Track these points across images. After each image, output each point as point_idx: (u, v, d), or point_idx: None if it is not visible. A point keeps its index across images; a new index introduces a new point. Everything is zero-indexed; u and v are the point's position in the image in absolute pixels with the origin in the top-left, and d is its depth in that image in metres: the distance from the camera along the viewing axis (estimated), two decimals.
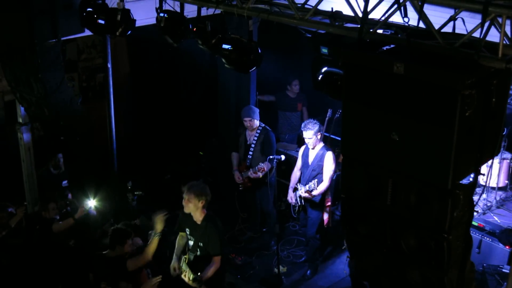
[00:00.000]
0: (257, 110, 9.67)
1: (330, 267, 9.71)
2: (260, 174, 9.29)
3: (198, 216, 7.23)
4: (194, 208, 7.16)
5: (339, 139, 9.38)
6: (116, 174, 9.86)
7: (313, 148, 8.82)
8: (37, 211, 8.87)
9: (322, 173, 8.77)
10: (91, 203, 8.72)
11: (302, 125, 8.87)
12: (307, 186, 8.65)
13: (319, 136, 8.82)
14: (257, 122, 9.58)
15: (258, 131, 9.57)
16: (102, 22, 7.63)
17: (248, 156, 9.64)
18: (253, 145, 9.59)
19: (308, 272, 9.47)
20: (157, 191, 10.73)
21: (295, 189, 9.02)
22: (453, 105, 4.51)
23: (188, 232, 7.37)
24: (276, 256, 8.96)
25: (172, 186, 11.01)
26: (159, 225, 7.33)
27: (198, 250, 7.26)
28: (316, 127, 8.75)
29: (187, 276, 7.11)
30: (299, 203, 9.02)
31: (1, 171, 10.24)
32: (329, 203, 9.00)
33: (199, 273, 7.05)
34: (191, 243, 7.36)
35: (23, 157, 9.49)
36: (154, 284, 7.07)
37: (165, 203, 10.16)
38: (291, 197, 9.11)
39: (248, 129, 9.67)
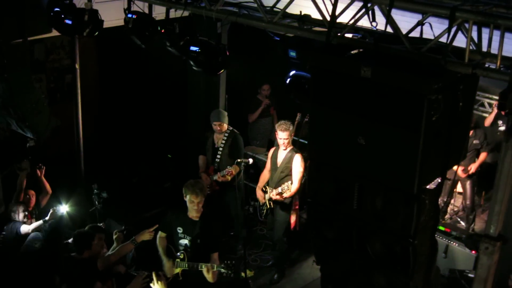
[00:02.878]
0: (226, 114, 9.60)
1: (297, 271, 9.66)
2: (229, 178, 9.21)
3: (195, 213, 7.17)
4: (201, 207, 7.15)
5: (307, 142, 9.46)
6: (83, 176, 9.72)
7: (285, 149, 8.79)
8: (2, 212, 8.70)
9: (290, 175, 8.74)
10: (64, 208, 8.58)
11: (277, 125, 8.82)
12: (280, 188, 8.60)
13: (292, 137, 8.82)
14: (226, 126, 9.52)
15: (226, 134, 9.50)
16: (70, 22, 7.52)
17: (216, 159, 9.56)
18: (221, 149, 9.52)
19: (275, 276, 9.41)
20: (124, 193, 10.60)
21: (264, 191, 8.97)
22: (420, 109, 4.51)
23: (180, 231, 7.27)
24: (243, 260, 8.89)
25: (139, 189, 10.93)
26: (142, 237, 7.31)
27: (195, 248, 7.17)
28: (291, 127, 8.76)
29: (204, 268, 6.94)
30: (267, 206, 8.98)
31: None
32: (296, 207, 8.97)
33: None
34: (184, 242, 7.27)
35: None
36: (142, 281, 6.91)
37: (131, 205, 10.11)
38: (259, 195, 9.05)
39: (217, 132, 9.60)
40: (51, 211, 8.46)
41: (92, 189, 9.23)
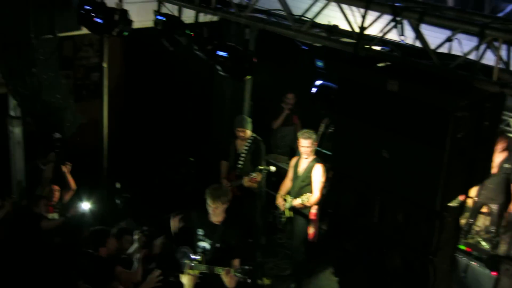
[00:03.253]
0: (250, 121, 9.62)
1: (314, 282, 9.58)
2: (251, 183, 9.21)
3: (216, 218, 7.21)
4: (221, 213, 7.19)
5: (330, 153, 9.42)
6: (105, 174, 9.78)
7: (306, 158, 8.78)
8: (26, 205, 8.78)
9: (311, 184, 8.72)
10: (86, 205, 8.66)
11: (300, 133, 8.81)
12: (299, 199, 8.58)
13: (315, 146, 8.80)
14: (249, 133, 9.53)
15: (249, 141, 9.51)
16: (100, 21, 7.59)
17: (238, 165, 9.58)
18: (243, 155, 9.53)
19: (292, 286, 9.37)
20: (145, 193, 10.66)
21: (284, 200, 8.97)
22: (445, 126, 4.49)
23: (201, 233, 7.30)
24: (261, 267, 8.88)
25: (160, 190, 10.97)
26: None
27: (214, 252, 7.20)
28: (314, 136, 8.76)
29: (223, 272, 6.96)
30: (287, 215, 8.96)
31: None
32: (316, 217, 8.94)
33: (246, 266, 6.98)
34: (203, 244, 7.29)
35: (12, 150, 9.44)
36: (155, 278, 6.95)
37: (151, 206, 10.16)
38: (279, 203, 9.04)
39: (240, 139, 9.62)
40: (73, 207, 8.54)
41: (115, 188, 9.30)
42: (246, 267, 6.91)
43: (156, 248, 7.68)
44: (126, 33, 7.72)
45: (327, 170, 8.63)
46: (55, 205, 8.88)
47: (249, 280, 6.87)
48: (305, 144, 8.67)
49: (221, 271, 6.90)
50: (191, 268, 7.18)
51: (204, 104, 11.98)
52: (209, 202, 7.12)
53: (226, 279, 6.85)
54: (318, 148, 9.50)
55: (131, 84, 12.28)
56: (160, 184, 11.20)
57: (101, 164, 9.71)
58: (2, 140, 9.58)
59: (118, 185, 9.38)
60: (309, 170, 8.73)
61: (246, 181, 9.22)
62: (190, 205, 7.76)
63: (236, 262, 7.17)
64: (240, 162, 9.54)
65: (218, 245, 7.18)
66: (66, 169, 9.08)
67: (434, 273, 5.04)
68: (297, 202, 8.61)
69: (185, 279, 6.70)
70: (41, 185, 9.00)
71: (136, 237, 7.78)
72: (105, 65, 9.62)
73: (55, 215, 8.79)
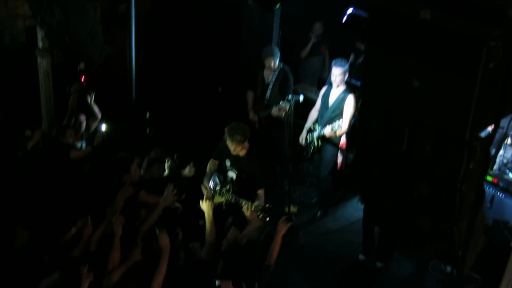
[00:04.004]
0: (278, 50, 9.59)
1: (340, 210, 9.81)
2: (280, 112, 9.23)
3: (240, 152, 7.32)
4: (241, 149, 7.33)
5: (359, 84, 9.37)
6: (134, 104, 9.90)
7: (337, 87, 8.75)
8: (54, 136, 8.93)
9: (341, 114, 8.74)
10: (104, 127, 8.80)
11: (333, 62, 8.75)
12: (331, 126, 8.62)
13: (346, 76, 8.77)
14: (277, 63, 9.52)
15: (277, 71, 9.52)
16: None
17: (266, 95, 9.62)
18: (271, 85, 9.55)
19: (319, 213, 9.56)
20: (173, 122, 10.76)
21: (312, 130, 9.00)
22: (478, 55, 4.45)
23: (228, 164, 7.44)
24: (288, 195, 9.04)
25: (189, 119, 11.08)
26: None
27: (240, 182, 7.33)
28: (347, 66, 8.71)
29: (245, 206, 7.12)
30: (315, 145, 9.01)
31: (20, 95, 10.31)
32: (344, 146, 8.99)
33: (267, 205, 7.12)
34: (231, 174, 7.44)
35: (41, 82, 9.54)
36: (172, 194, 7.06)
37: (180, 135, 10.29)
38: (302, 138, 9.10)
39: (267, 69, 9.61)
40: (98, 135, 8.68)
41: (144, 117, 9.41)
42: (267, 205, 7.03)
43: (184, 175, 7.83)
44: None
45: (357, 100, 8.63)
46: (82, 134, 9.03)
47: (267, 219, 7.01)
48: (337, 73, 8.62)
49: (243, 204, 7.04)
50: (219, 194, 7.35)
51: (232, 34, 11.93)
52: (228, 141, 7.21)
53: (246, 213, 7.00)
54: (348, 79, 9.47)
55: (159, 15, 12.24)
56: (189, 114, 11.30)
57: (129, 95, 9.84)
58: (31, 71, 9.69)
59: (147, 115, 9.46)
60: (340, 100, 8.71)
61: (273, 111, 9.26)
62: (218, 135, 7.85)
63: (261, 192, 7.30)
64: (268, 92, 9.57)
65: (244, 176, 7.30)
66: (89, 97, 9.19)
67: (460, 202, 5.08)
68: (327, 131, 8.63)
69: (205, 206, 6.84)
70: (67, 115, 9.13)
71: (167, 164, 7.94)
72: None
73: (83, 144, 8.97)
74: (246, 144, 7.37)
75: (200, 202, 6.92)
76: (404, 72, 4.99)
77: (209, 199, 6.86)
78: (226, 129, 7.32)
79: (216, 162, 7.68)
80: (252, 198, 7.28)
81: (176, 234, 6.96)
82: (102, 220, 6.54)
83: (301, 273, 8.32)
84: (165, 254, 6.06)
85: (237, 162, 7.46)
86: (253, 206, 7.04)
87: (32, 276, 6.10)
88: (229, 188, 7.44)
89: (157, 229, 6.27)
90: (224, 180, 7.60)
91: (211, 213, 6.79)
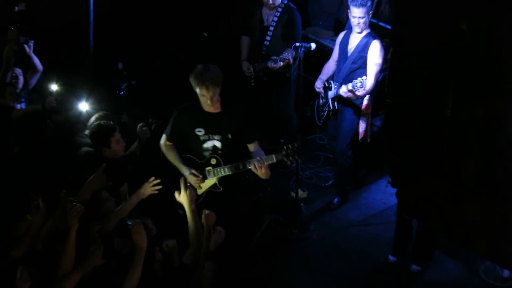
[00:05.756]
0: None
1: (364, 195, 9.80)
2: (282, 63, 9.19)
3: (213, 106, 7.27)
4: (218, 99, 7.27)
5: (390, 27, 9.34)
6: (92, 54, 9.90)
7: (359, 32, 8.69)
8: None
9: (364, 67, 8.64)
10: (83, 106, 8.81)
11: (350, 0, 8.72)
12: (351, 84, 8.48)
13: (370, 17, 8.66)
14: None
15: (280, 9, 9.45)
16: None
17: (265, 41, 9.59)
18: (271, 28, 9.50)
19: (336, 200, 9.54)
20: (147, 79, 10.75)
21: (327, 88, 8.94)
22: None
23: (202, 132, 7.38)
24: (295, 176, 9.05)
25: (165, 75, 11.06)
26: (144, 192, 7.09)
27: (228, 146, 7.33)
28: (369, 3, 8.55)
29: (256, 164, 7.11)
30: (330, 107, 8.94)
31: None
32: (368, 110, 8.94)
33: (289, 145, 7.09)
34: (210, 144, 7.38)
35: None
36: (151, 185, 7.05)
37: (156, 95, 10.30)
38: (319, 87, 9.03)
39: (266, 6, 9.56)
40: (49, 97, 8.71)
41: (112, 69, 9.44)
42: (290, 145, 7.02)
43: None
44: None
45: (386, 49, 8.60)
46: (20, 92, 9.08)
47: (296, 161, 7.03)
48: (357, 14, 8.54)
49: (252, 165, 7.06)
50: (208, 177, 7.39)
51: None
52: (202, 91, 7.11)
53: (260, 172, 7.03)
54: (373, 20, 9.42)
55: None
56: (165, 67, 11.28)
57: (87, 41, 9.90)
58: None
59: (120, 66, 9.51)
60: (362, 48, 8.63)
61: (274, 63, 9.25)
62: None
63: (255, 145, 7.29)
64: (268, 38, 9.55)
65: (229, 135, 7.29)
66: (28, 47, 9.22)
67: None
68: (345, 89, 8.59)
69: (182, 198, 6.85)
70: (2, 70, 9.15)
71: (138, 129, 8.00)
72: None
73: (22, 106, 9.02)
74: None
75: (176, 194, 6.94)
76: (447, 11, 5.00)
77: (189, 190, 6.89)
78: (194, 75, 7.17)
79: (171, 143, 7.61)
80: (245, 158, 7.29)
81: (149, 229, 7.00)
82: (54, 209, 6.51)
83: (312, 277, 8.27)
84: (140, 257, 5.98)
85: (214, 124, 7.38)
86: (268, 159, 7.05)
87: None
88: (216, 161, 7.43)
89: (129, 221, 6.25)
90: (200, 158, 7.56)
91: (194, 206, 6.82)
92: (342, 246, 8.74)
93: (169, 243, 6.62)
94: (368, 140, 9.03)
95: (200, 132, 7.35)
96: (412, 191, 6.03)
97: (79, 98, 8.81)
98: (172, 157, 7.52)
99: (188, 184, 7.24)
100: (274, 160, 6.99)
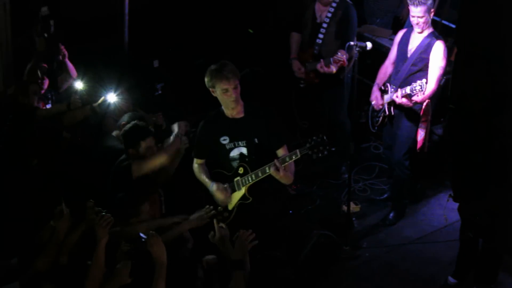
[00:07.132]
0: None
1: (422, 210, 9.69)
2: (335, 68, 9.16)
3: (235, 108, 7.23)
4: (238, 96, 7.19)
5: (454, 26, 9.26)
6: (127, 51, 9.94)
7: (420, 32, 8.61)
8: (11, 95, 9.00)
9: (425, 70, 8.51)
10: (111, 97, 8.82)
11: None
12: (409, 87, 8.45)
13: (431, 15, 8.57)
14: None
15: (334, 5, 9.40)
16: None
17: (317, 40, 9.53)
18: (324, 25, 9.45)
19: (391, 215, 9.47)
20: (186, 79, 10.78)
21: (383, 91, 8.89)
22: None
23: (226, 141, 7.38)
24: (347, 188, 8.95)
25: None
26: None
27: (255, 152, 7.29)
28: (430, 1, 8.46)
29: (272, 168, 7.06)
30: (386, 112, 8.90)
31: None
32: (428, 117, 8.86)
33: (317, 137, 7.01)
34: (238, 151, 7.36)
35: None
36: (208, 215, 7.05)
37: (193, 96, 10.32)
38: (376, 97, 8.96)
39: (320, 1, 9.51)
40: (73, 96, 8.75)
41: (148, 67, 9.48)
42: (315, 137, 6.92)
43: None
44: None
45: (450, 49, 8.51)
46: (46, 93, 9.19)
47: (322, 153, 6.91)
48: (417, 13, 8.47)
49: (268, 170, 6.99)
50: (236, 189, 7.33)
51: None
52: (223, 85, 7.03)
53: (279, 175, 6.95)
54: (436, 18, 9.34)
55: None
56: (205, 66, 11.30)
57: (121, 36, 9.92)
58: None
59: (155, 63, 9.55)
60: (424, 49, 8.56)
61: (321, 66, 9.20)
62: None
63: (284, 150, 7.23)
64: (321, 36, 9.50)
65: (256, 140, 7.23)
66: (62, 57, 9.33)
67: None
68: (403, 93, 8.51)
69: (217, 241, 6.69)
70: (30, 66, 9.23)
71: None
72: None
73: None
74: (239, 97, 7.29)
75: (210, 235, 6.87)
76: None
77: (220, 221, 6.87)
78: (210, 73, 7.14)
79: (203, 161, 7.60)
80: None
81: (184, 240, 6.95)
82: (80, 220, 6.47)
83: None
84: (161, 272, 5.82)
85: (238, 129, 7.36)
86: (287, 158, 6.97)
87: None
88: (243, 170, 7.39)
89: (145, 233, 6.09)
90: (228, 170, 7.53)
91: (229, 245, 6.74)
92: (397, 266, 8.66)
93: (209, 260, 6.56)
94: (426, 150, 8.90)
95: (225, 140, 7.31)
96: (478, 207, 5.92)
97: (107, 90, 8.82)
98: (202, 177, 7.49)
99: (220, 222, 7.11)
100: (299, 155, 6.84)
